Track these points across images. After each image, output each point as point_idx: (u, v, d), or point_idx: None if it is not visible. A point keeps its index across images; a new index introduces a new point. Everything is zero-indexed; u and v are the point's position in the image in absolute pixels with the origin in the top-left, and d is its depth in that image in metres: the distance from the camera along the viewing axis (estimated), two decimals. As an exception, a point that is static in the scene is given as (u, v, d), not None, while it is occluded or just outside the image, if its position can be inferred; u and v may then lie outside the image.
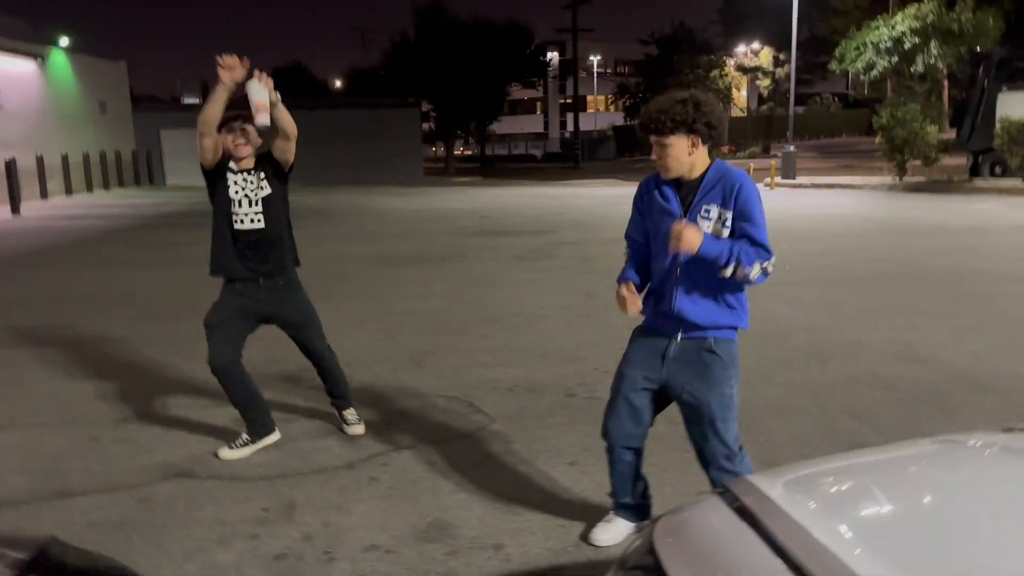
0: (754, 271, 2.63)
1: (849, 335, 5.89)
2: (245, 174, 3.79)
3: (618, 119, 56.45)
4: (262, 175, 3.81)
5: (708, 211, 2.69)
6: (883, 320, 6.34)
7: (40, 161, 20.90)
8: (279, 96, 3.57)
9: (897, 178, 20.16)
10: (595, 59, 63.19)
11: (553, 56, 55.15)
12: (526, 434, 4.08)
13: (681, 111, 2.65)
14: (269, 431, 3.98)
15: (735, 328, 2.81)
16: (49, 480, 3.67)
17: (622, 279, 2.95)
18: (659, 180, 2.83)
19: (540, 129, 69.54)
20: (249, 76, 3.51)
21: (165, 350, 5.89)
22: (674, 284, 2.78)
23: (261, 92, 3.49)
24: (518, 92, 49.00)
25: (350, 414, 4.20)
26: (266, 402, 4.03)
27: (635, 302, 2.84)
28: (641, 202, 2.91)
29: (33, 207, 19.10)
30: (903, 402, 4.48)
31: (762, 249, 2.66)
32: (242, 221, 3.78)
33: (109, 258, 10.92)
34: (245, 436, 3.95)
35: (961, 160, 20.84)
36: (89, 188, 24.22)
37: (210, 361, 3.81)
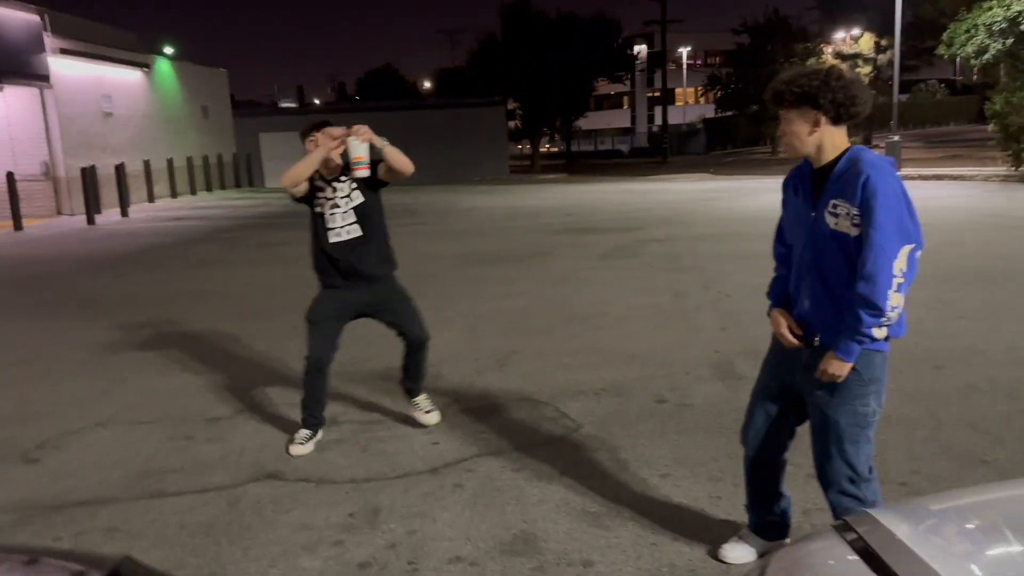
0: (879, 332, 2.35)
1: (964, 339, 5.47)
2: (336, 183, 3.87)
3: (708, 111, 55.15)
4: (353, 184, 3.87)
5: (836, 206, 2.38)
6: (1002, 324, 5.88)
7: (147, 165, 21.92)
8: (385, 140, 3.68)
9: (1012, 168, 18.88)
10: (684, 50, 61.90)
11: (641, 49, 54.37)
12: (614, 442, 3.94)
13: (806, 83, 2.39)
14: (321, 425, 4.10)
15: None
16: (144, 479, 3.77)
17: (771, 301, 2.75)
18: (801, 169, 2.57)
19: (627, 124, 68.61)
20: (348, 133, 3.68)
21: (258, 348, 6.01)
22: (801, 283, 2.56)
23: (358, 148, 3.63)
24: (604, 87, 48.49)
25: (423, 400, 4.24)
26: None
27: (785, 333, 2.60)
28: (785, 194, 2.66)
29: (140, 209, 20.07)
30: (1028, 413, 4.11)
31: (862, 304, 2.30)
32: (339, 234, 3.88)
33: (208, 257, 11.31)
34: (306, 432, 4.03)
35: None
36: (192, 191, 25.27)
37: (311, 355, 3.95)
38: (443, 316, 6.79)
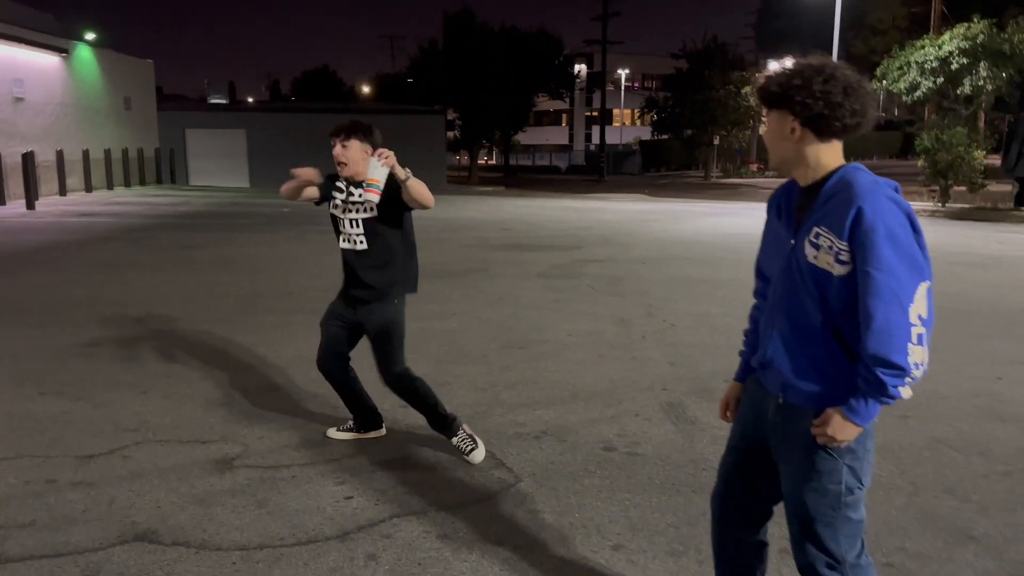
0: (906, 392, 1.87)
1: (924, 384, 5.12)
2: (352, 187, 3.63)
3: (644, 133, 55.74)
4: (374, 200, 3.52)
5: (818, 235, 1.93)
6: (960, 367, 5.61)
7: (60, 156, 20.51)
8: (409, 172, 3.40)
9: (940, 204, 19.31)
10: (623, 72, 62.51)
11: (581, 68, 54.63)
12: (558, 501, 3.41)
13: (786, 80, 1.94)
14: (361, 423, 4.06)
15: None
16: (-17, 537, 3.05)
17: (740, 358, 2.31)
18: (790, 186, 2.12)
19: (565, 141, 68.85)
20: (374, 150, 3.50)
21: (151, 369, 5.28)
22: (771, 321, 2.09)
23: (377, 170, 3.37)
24: (544, 103, 48.44)
25: (458, 441, 3.86)
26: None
27: (721, 412, 2.33)
28: (768, 214, 2.19)
29: (50, 203, 18.70)
30: (1006, 475, 3.76)
31: (878, 364, 1.83)
32: (346, 240, 3.73)
33: (113, 259, 10.37)
34: (350, 422, 4.05)
35: (1006, 187, 19.96)
36: (110, 185, 23.83)
37: (317, 357, 3.95)
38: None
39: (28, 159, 17.50)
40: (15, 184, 18.01)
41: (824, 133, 1.95)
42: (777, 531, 2.47)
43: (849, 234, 1.86)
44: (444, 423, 3.82)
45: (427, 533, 3.11)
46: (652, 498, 3.44)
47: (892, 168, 42.02)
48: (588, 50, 52.46)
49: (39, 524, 3.17)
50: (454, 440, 3.82)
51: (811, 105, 1.91)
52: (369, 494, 3.45)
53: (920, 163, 19.94)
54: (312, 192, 3.76)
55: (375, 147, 3.60)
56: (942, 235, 14.51)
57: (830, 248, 1.90)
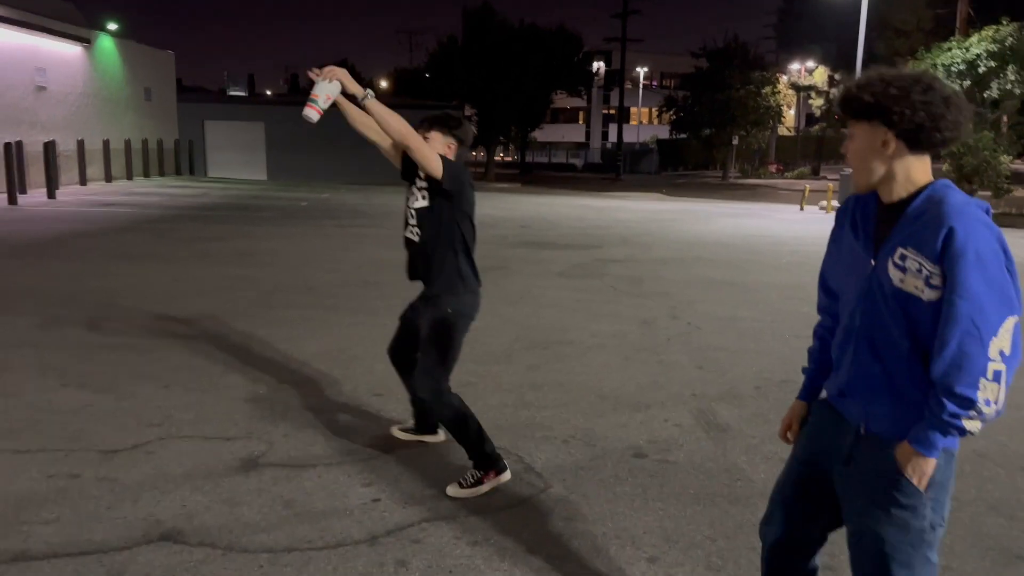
0: (971, 424, 1.75)
1: (960, 394, 5.03)
2: (418, 180, 3.40)
3: (662, 132, 55.45)
4: (424, 184, 3.36)
5: (904, 258, 1.79)
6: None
7: (80, 146, 20.59)
8: (370, 93, 3.17)
9: (964, 208, 19.06)
10: (642, 71, 62.20)
11: (600, 65, 54.37)
12: (590, 508, 3.32)
13: (881, 90, 1.81)
14: (417, 423, 3.96)
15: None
16: (7, 533, 3.00)
17: (805, 376, 2.20)
18: (866, 200, 1.98)
19: (582, 139, 68.60)
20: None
21: (173, 363, 5.24)
22: (849, 347, 1.95)
23: (318, 87, 3.16)
24: (562, 100, 48.29)
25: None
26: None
27: (784, 434, 2.21)
28: (838, 228, 2.05)
29: (70, 192, 18.77)
30: (1051, 492, 3.65)
31: (944, 393, 1.73)
32: (409, 231, 3.50)
33: (133, 250, 10.37)
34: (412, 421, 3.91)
35: (1032, 193, 19.67)
36: (129, 175, 23.90)
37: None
38: (388, 333, 6.10)
39: (49, 148, 17.56)
40: (36, 173, 18.08)
41: (920, 146, 1.84)
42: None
43: (940, 255, 1.74)
44: (486, 460, 3.43)
45: (457, 539, 3.03)
46: (687, 508, 3.35)
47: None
48: (607, 47, 52.19)
49: (63, 521, 3.12)
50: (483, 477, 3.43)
51: (911, 116, 1.79)
52: (397, 497, 3.38)
53: (945, 167, 19.67)
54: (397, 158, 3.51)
55: (461, 142, 3.41)
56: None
57: (919, 271, 1.78)
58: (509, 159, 58.92)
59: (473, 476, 3.43)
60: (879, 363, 1.88)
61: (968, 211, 1.76)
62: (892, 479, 1.86)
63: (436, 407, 3.45)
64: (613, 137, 50.20)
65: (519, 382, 5.07)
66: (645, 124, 65.62)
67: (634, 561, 2.92)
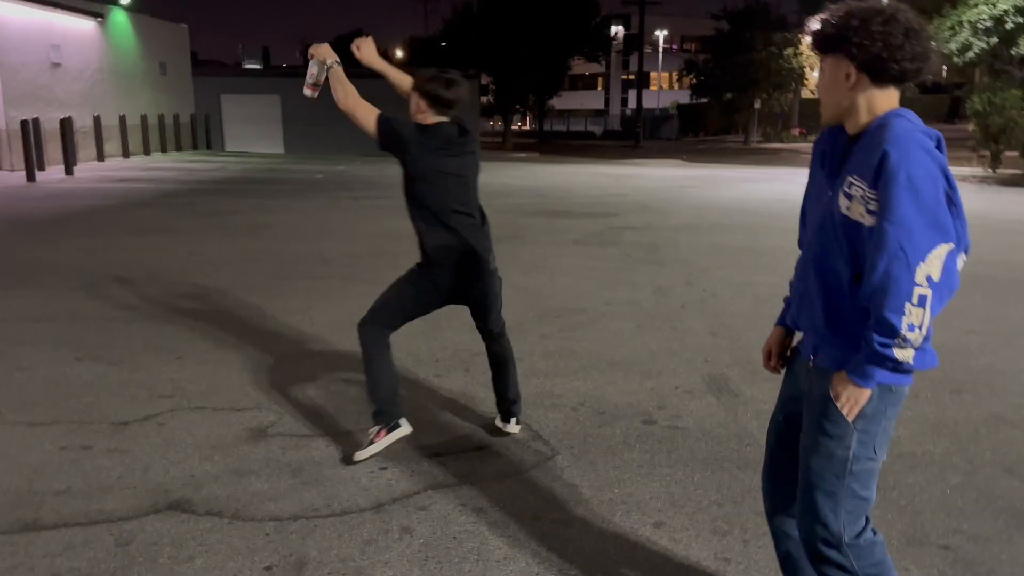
0: (901, 353, 1.73)
1: (980, 358, 4.95)
2: None
3: (683, 97, 54.73)
4: None
5: (851, 184, 1.79)
6: (1017, 339, 5.37)
7: (97, 122, 20.68)
8: (336, 61, 3.29)
9: (990, 170, 18.65)
10: (661, 34, 61.17)
11: (618, 30, 53.61)
12: (597, 475, 3.31)
13: (842, 22, 1.80)
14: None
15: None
16: (20, 503, 3.04)
17: (781, 312, 2.20)
18: (836, 132, 1.96)
19: (600, 105, 67.84)
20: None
21: (184, 337, 5.27)
22: (802, 279, 2.00)
23: (314, 66, 3.35)
24: (579, 67, 47.71)
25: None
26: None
27: (764, 360, 2.20)
28: (812, 161, 2.05)
29: (88, 168, 18.90)
30: (1069, 455, 3.57)
31: (871, 319, 1.74)
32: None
33: (150, 224, 10.42)
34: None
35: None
36: (146, 151, 24.01)
37: None
38: (402, 304, 6.10)
39: (66, 125, 17.66)
40: (54, 150, 18.21)
41: (881, 78, 1.80)
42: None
43: (874, 180, 1.73)
44: (378, 414, 3.41)
45: (463, 506, 3.03)
46: (695, 474, 3.33)
47: (941, 132, 40.82)
48: (626, 11, 51.33)
49: (74, 491, 3.16)
50: (371, 429, 3.43)
51: (868, 47, 1.76)
52: (404, 465, 3.38)
53: (971, 127, 19.25)
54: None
55: (433, 101, 3.34)
56: (993, 202, 14.02)
57: (862, 197, 1.76)
58: (527, 128, 58.45)
59: (369, 436, 3.41)
60: (825, 294, 1.89)
61: (907, 135, 1.72)
62: (823, 407, 1.87)
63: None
64: (633, 103, 49.49)
65: (530, 350, 5.04)
66: (665, 89, 64.71)
67: (640, 526, 2.90)
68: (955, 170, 17.46)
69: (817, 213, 1.94)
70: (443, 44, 41.72)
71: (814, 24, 1.88)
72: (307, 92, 3.40)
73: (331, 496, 3.11)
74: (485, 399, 4.16)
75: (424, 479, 3.26)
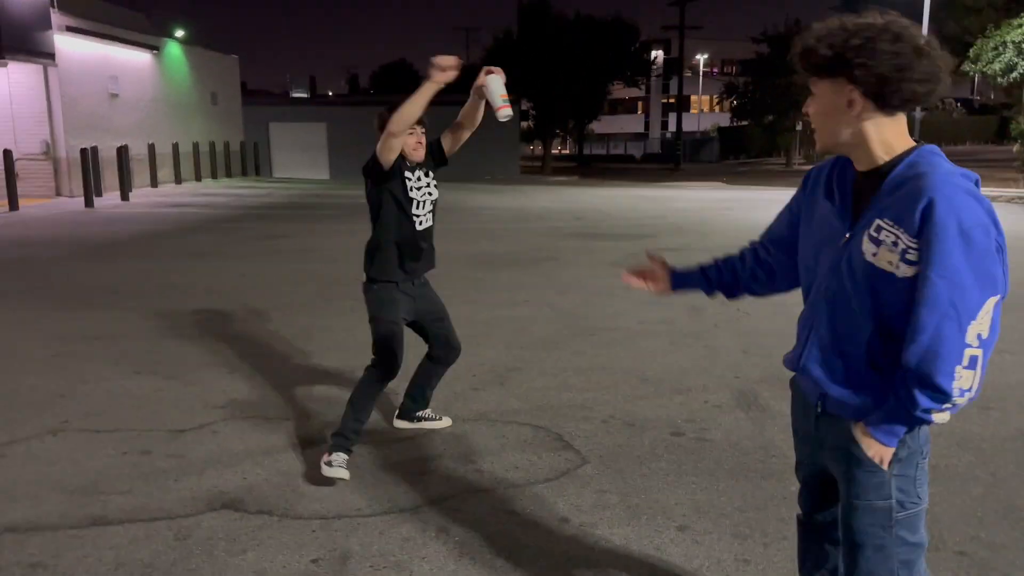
0: (939, 417, 1.63)
1: (1010, 376, 4.98)
2: (421, 173, 3.65)
3: (723, 120, 54.62)
4: (432, 175, 3.69)
5: (880, 230, 1.63)
6: (1050, 358, 5.38)
7: (151, 149, 21.51)
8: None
9: (1037, 190, 18.34)
10: (701, 58, 61.36)
11: (658, 54, 53.83)
12: (624, 483, 3.45)
13: (841, 41, 1.60)
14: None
15: None
16: (87, 502, 3.30)
17: (685, 267, 2.20)
18: (843, 164, 1.80)
19: (640, 129, 68.06)
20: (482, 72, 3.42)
21: (237, 352, 5.55)
22: (809, 323, 1.84)
23: (502, 86, 3.33)
24: (619, 91, 47.94)
25: (430, 412, 4.09)
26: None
27: (637, 278, 2.21)
28: (802, 195, 1.94)
29: (143, 194, 19.64)
30: (1095, 469, 3.61)
31: (917, 383, 1.59)
32: (421, 222, 3.68)
33: (203, 248, 10.86)
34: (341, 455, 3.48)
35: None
36: (198, 177, 24.85)
37: (396, 369, 3.64)
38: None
39: (123, 153, 18.42)
40: (111, 176, 18.98)
41: (890, 104, 1.62)
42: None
43: (918, 230, 1.57)
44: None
45: (496, 509, 3.21)
46: (719, 482, 3.45)
47: (986, 154, 40.10)
48: (665, 35, 51.62)
49: (135, 492, 3.40)
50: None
51: (874, 68, 1.58)
52: (440, 472, 3.57)
53: (1016, 148, 18.98)
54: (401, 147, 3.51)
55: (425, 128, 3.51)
56: (1038, 223, 13.80)
57: (895, 244, 1.61)
58: (566, 152, 58.81)
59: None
60: (836, 343, 1.76)
61: (953, 180, 1.58)
62: (849, 461, 1.77)
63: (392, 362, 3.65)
64: (673, 126, 49.60)
65: (564, 366, 5.21)
66: (706, 112, 64.71)
67: (663, 529, 3.04)
68: (1000, 191, 17.32)
69: (828, 256, 1.78)
70: (484, 71, 42.37)
71: (804, 43, 1.68)
72: (509, 112, 3.31)
73: (372, 498, 3.31)
74: (520, 410, 4.35)
75: (459, 484, 3.44)
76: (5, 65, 17.46)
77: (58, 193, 18.69)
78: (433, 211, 3.76)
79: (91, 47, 19.90)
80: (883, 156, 1.68)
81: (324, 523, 3.11)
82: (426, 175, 3.69)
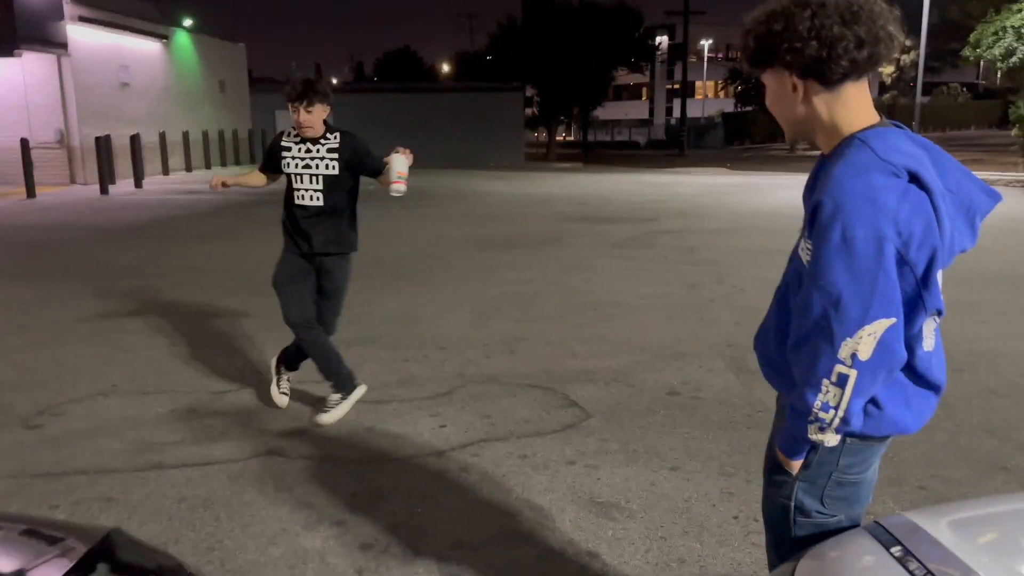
0: (815, 434, 1.53)
1: (985, 343, 5.36)
2: (309, 144, 3.90)
3: (728, 106, 54.75)
4: (334, 155, 3.88)
5: (807, 234, 1.54)
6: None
7: (162, 137, 21.89)
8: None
9: (1034, 174, 18.62)
10: (706, 43, 61.41)
11: (662, 40, 53.94)
12: (624, 433, 3.85)
13: (762, 29, 1.52)
14: (355, 385, 4.07)
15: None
16: (145, 450, 3.71)
17: None
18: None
19: (645, 115, 68.20)
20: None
21: (262, 323, 5.94)
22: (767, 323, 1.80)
23: (404, 166, 3.75)
24: (624, 77, 48.11)
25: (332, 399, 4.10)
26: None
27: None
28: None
29: (154, 181, 20.05)
30: (1051, 421, 4.00)
31: (794, 391, 1.53)
32: (302, 197, 3.95)
33: (219, 231, 11.26)
34: (335, 396, 4.01)
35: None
36: (208, 165, 25.24)
37: (287, 319, 3.93)
38: (452, 299, 6.72)
39: (135, 141, 18.81)
40: (122, 164, 19.39)
41: (831, 80, 1.49)
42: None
43: (811, 231, 1.47)
44: (342, 381, 3.98)
45: (510, 454, 3.61)
46: (709, 432, 3.85)
47: (990, 138, 40.33)
48: (669, 21, 51.68)
49: (187, 441, 3.81)
50: (332, 396, 4.00)
51: (802, 49, 1.47)
52: (460, 424, 3.97)
53: (1015, 132, 19.25)
54: (259, 179, 4.19)
55: (331, 105, 3.89)
56: (1032, 205, 14.12)
57: (804, 242, 1.54)
58: (571, 139, 59.04)
59: (334, 401, 3.99)
60: (779, 339, 1.67)
61: (851, 181, 1.40)
62: (771, 448, 1.77)
63: (321, 342, 3.96)
64: (677, 112, 49.78)
65: (568, 337, 5.60)
66: (711, 98, 64.77)
67: (658, 469, 3.44)
68: (1000, 175, 17.47)
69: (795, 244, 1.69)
70: (488, 58, 42.61)
71: (738, 38, 1.61)
72: (401, 189, 3.79)
73: (399, 446, 3.71)
74: (528, 374, 4.74)
75: (477, 434, 3.84)
76: (20, 55, 17.83)
77: (72, 181, 19.09)
78: (327, 189, 3.88)
79: (103, 37, 20.24)
80: (837, 137, 1.54)
81: (358, 465, 3.51)
82: (317, 151, 3.86)
